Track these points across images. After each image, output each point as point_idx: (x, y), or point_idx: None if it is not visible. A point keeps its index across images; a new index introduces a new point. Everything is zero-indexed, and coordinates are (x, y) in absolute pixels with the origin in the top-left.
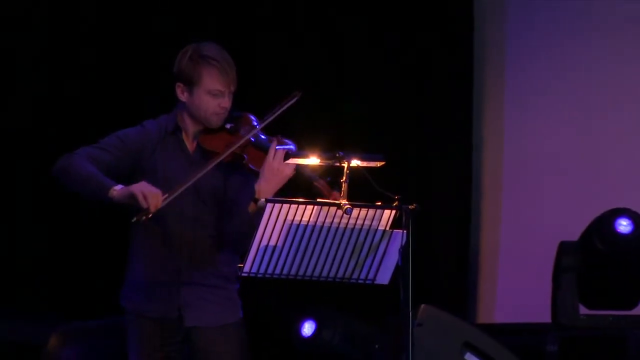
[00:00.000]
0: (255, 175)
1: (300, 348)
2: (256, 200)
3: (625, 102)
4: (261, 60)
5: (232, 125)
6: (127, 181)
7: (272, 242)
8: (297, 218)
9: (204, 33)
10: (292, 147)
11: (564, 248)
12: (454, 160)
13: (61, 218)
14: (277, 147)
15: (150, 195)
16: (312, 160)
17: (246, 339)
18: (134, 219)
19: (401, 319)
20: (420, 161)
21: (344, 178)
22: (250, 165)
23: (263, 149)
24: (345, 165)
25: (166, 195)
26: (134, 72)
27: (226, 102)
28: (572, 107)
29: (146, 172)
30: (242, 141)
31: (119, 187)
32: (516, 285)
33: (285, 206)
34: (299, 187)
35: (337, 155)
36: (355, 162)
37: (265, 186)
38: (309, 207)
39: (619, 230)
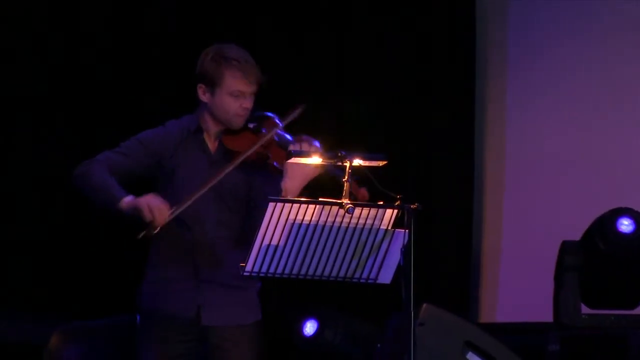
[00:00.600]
0: (280, 174)
1: (302, 347)
2: None
3: (626, 102)
4: (261, 59)
5: (255, 124)
6: (150, 182)
7: (274, 242)
8: (299, 217)
9: (204, 34)
10: (315, 143)
11: (566, 247)
12: (455, 160)
13: (62, 217)
14: (297, 143)
15: (156, 209)
16: (315, 160)
17: (263, 341)
18: (140, 235)
19: (403, 318)
20: (422, 161)
21: (346, 177)
22: (275, 164)
23: (285, 147)
24: (348, 164)
25: (174, 208)
26: (139, 73)
27: (248, 103)
28: (574, 107)
29: (167, 172)
30: (266, 138)
31: (128, 198)
32: (518, 285)
33: (287, 205)
34: (325, 185)
35: (339, 154)
36: (357, 162)
37: (291, 184)
38: (311, 206)
39: (620, 230)
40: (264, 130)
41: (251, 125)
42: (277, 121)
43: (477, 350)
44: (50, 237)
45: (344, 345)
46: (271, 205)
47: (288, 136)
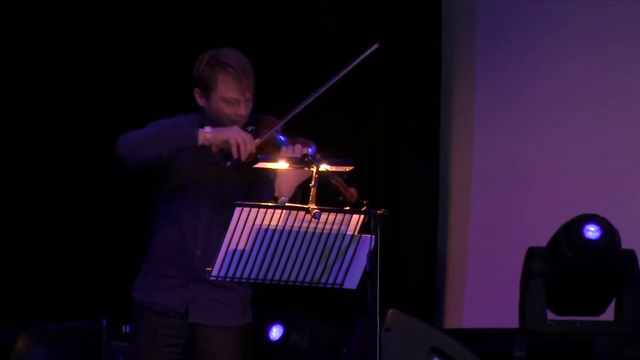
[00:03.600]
0: (275, 175)
1: (269, 352)
2: (276, 199)
3: (592, 111)
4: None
5: (253, 127)
6: (152, 174)
7: (241, 246)
8: (266, 222)
9: (190, 35)
10: (311, 147)
11: (532, 254)
12: (421, 166)
13: (29, 220)
14: (290, 145)
15: (243, 143)
16: (281, 165)
17: (251, 346)
18: (229, 163)
19: (369, 323)
20: (389, 166)
21: (313, 182)
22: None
23: (279, 147)
24: (314, 169)
25: (257, 139)
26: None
27: (242, 110)
28: (540, 115)
29: (173, 166)
30: (263, 138)
31: (208, 128)
32: (484, 291)
33: (254, 210)
34: (324, 187)
35: (307, 159)
36: (324, 167)
37: (284, 183)
38: (278, 211)
39: (587, 236)
40: (262, 133)
41: (249, 129)
42: (277, 121)
43: (443, 356)
44: (18, 241)
45: (310, 349)
46: (237, 210)
47: (283, 138)
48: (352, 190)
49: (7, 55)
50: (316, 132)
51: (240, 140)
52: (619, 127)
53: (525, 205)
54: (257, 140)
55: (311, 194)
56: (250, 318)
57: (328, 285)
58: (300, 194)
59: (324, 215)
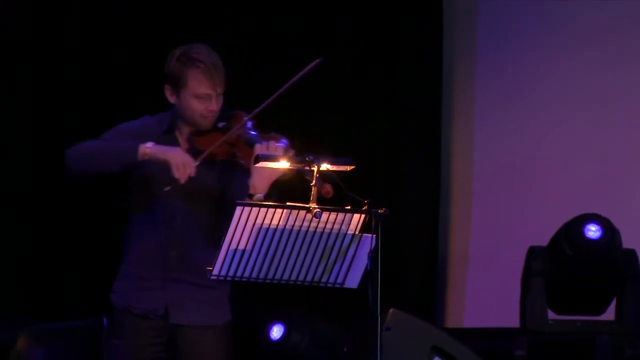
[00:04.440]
0: (249, 172)
1: (269, 351)
2: (251, 196)
3: (593, 111)
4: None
5: (225, 123)
6: (124, 177)
7: (242, 245)
8: (267, 221)
9: (178, 34)
10: (282, 141)
11: (533, 253)
12: (422, 165)
13: (28, 219)
14: (264, 142)
15: (183, 167)
16: (282, 164)
17: (233, 343)
18: (167, 188)
19: (370, 323)
20: (390, 165)
21: (314, 182)
22: (243, 162)
23: (252, 145)
24: (315, 169)
25: (196, 162)
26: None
27: (214, 105)
28: (541, 115)
29: (144, 166)
30: (230, 133)
31: (150, 144)
32: (485, 290)
33: (255, 209)
34: (292, 179)
35: (307, 159)
36: (325, 166)
37: (259, 180)
38: (279, 210)
39: (587, 236)
40: (233, 129)
41: (221, 125)
42: (246, 118)
43: (444, 355)
44: (18, 239)
45: (310, 349)
46: (239, 209)
47: (255, 133)
48: (327, 186)
49: (7, 55)
50: (317, 131)
51: (180, 163)
52: (619, 127)
53: (526, 205)
54: (205, 153)
55: (312, 193)
56: (230, 315)
57: (329, 285)
58: (276, 191)
59: (324, 215)
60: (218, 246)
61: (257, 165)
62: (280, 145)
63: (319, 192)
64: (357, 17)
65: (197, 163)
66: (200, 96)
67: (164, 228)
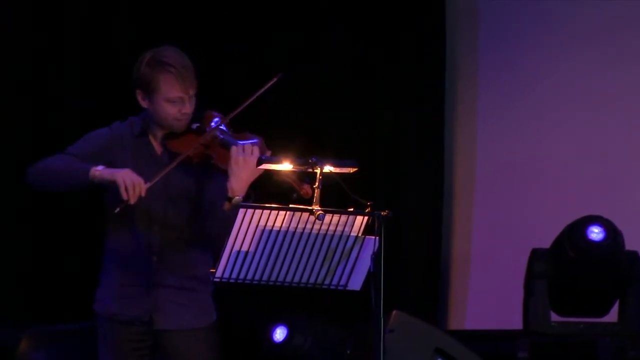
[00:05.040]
0: (226, 174)
1: (272, 354)
2: (230, 199)
3: (597, 110)
4: (229, 63)
5: (199, 125)
6: (98, 187)
7: (245, 248)
8: (270, 224)
9: (175, 38)
10: (255, 141)
11: (536, 255)
12: (425, 167)
13: (31, 221)
14: (239, 143)
15: (132, 186)
16: (285, 166)
17: (218, 343)
18: (116, 210)
19: (373, 325)
20: (393, 167)
21: (317, 184)
22: (219, 165)
23: (227, 147)
24: (318, 171)
25: (148, 183)
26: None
27: (187, 108)
28: (544, 116)
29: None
30: (205, 137)
31: (100, 167)
32: (487, 292)
33: (258, 211)
34: (271, 181)
35: (310, 161)
36: (328, 168)
37: (236, 183)
38: (282, 212)
39: (590, 238)
40: (207, 130)
41: (194, 126)
42: (217, 119)
43: (447, 357)
44: (20, 241)
45: (313, 351)
46: (241, 211)
47: (228, 134)
48: (306, 187)
49: (7, 57)
50: (318, 132)
51: (129, 183)
52: (622, 128)
53: (528, 207)
54: (158, 177)
55: (315, 195)
56: (214, 315)
57: (332, 287)
58: (253, 193)
59: (327, 217)
60: (195, 250)
61: (259, 167)
62: (254, 143)
63: (297, 192)
64: (359, 17)
65: (149, 185)
66: (173, 100)
67: (144, 233)
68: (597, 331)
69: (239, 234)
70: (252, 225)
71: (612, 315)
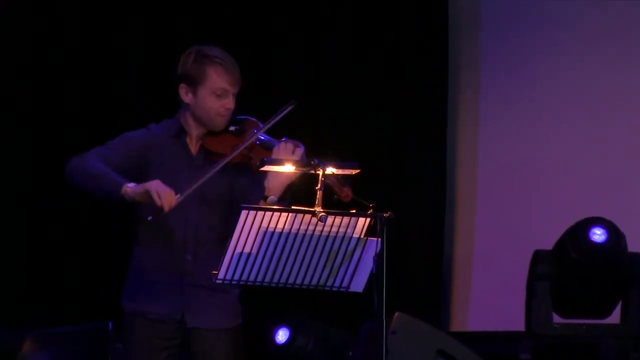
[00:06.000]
0: (263, 174)
1: (275, 355)
2: (265, 198)
3: (599, 112)
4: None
5: (236, 127)
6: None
7: (247, 249)
8: (272, 225)
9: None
10: (301, 146)
11: (538, 256)
12: (427, 169)
13: (35, 223)
14: (283, 139)
15: (164, 194)
16: (287, 168)
17: (244, 346)
18: (150, 217)
19: (375, 326)
20: (395, 169)
21: (319, 186)
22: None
23: (269, 148)
24: (321, 172)
25: (179, 194)
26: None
27: (230, 103)
28: (546, 117)
29: (150, 175)
30: (249, 140)
31: (132, 184)
32: (490, 294)
33: (260, 213)
34: (310, 183)
35: (313, 162)
36: (330, 170)
37: (274, 183)
38: (284, 214)
39: (593, 239)
40: (246, 133)
41: (232, 128)
42: (259, 124)
43: (449, 359)
44: (25, 243)
45: (316, 353)
46: (244, 213)
47: (270, 138)
48: (347, 190)
49: (7, 54)
50: (321, 133)
51: (161, 190)
52: (624, 129)
53: (531, 208)
54: (200, 182)
55: (317, 197)
56: (241, 318)
57: (334, 289)
58: (290, 193)
59: (330, 218)
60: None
61: (262, 168)
62: (299, 148)
63: (339, 194)
64: (360, 17)
65: (180, 197)
66: (219, 93)
67: (178, 234)
68: (599, 333)
69: (242, 236)
70: (254, 226)
71: (615, 317)
